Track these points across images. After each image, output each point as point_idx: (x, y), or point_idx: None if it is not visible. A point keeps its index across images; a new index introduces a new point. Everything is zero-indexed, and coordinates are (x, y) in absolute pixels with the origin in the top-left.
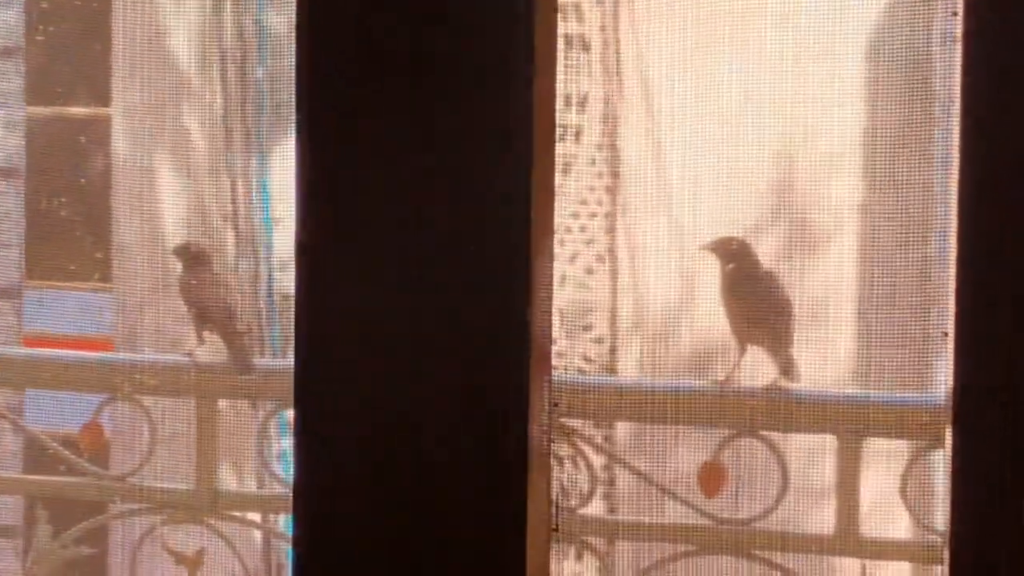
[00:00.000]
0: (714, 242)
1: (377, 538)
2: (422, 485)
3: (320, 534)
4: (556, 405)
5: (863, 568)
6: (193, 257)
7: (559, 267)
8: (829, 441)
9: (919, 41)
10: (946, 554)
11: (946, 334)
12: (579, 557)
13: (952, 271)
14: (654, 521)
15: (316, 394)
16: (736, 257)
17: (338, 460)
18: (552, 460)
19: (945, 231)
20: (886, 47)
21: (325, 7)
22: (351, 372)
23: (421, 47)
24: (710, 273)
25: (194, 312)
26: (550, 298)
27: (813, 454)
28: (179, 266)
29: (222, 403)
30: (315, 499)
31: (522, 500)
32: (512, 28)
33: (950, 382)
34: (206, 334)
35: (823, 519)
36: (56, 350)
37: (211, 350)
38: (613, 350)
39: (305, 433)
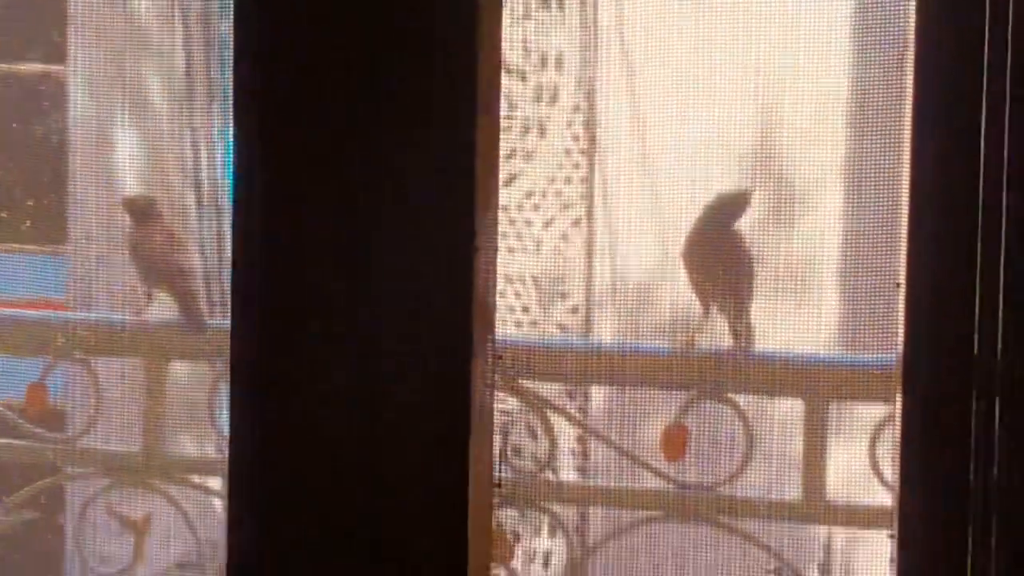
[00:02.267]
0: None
1: (314, 499)
2: (364, 445)
3: (252, 491)
4: (500, 358)
5: (829, 535)
6: (143, 211)
7: (535, 232)
8: (796, 405)
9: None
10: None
11: (899, 285)
12: (537, 521)
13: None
14: (614, 485)
15: (251, 355)
16: (712, 212)
17: (270, 422)
18: (504, 421)
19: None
20: (867, 24)
21: None
22: (289, 332)
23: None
24: (684, 231)
25: (143, 269)
26: (494, 259)
27: (779, 418)
28: (129, 221)
29: (173, 364)
30: (249, 455)
31: (464, 456)
32: None
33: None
34: (156, 292)
35: (790, 484)
36: (9, 310)
37: (162, 309)
38: (588, 319)
39: (240, 391)
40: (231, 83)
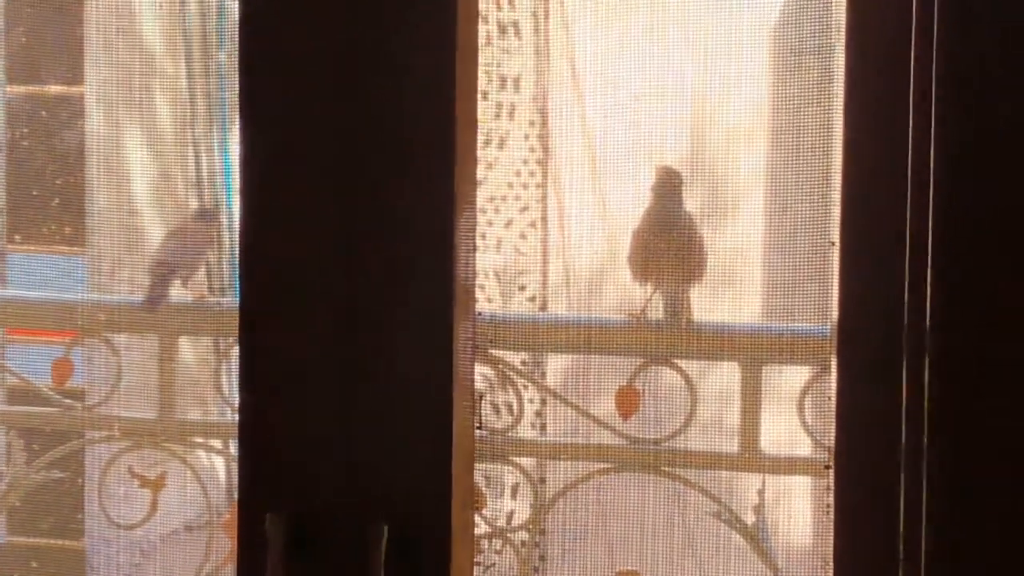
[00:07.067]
0: (660, 168)
1: (312, 460)
2: (357, 398)
3: (262, 450)
4: (480, 335)
5: (763, 482)
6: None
7: (496, 232)
8: (733, 369)
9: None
10: (832, 464)
11: (833, 243)
12: (506, 473)
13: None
14: (574, 441)
15: (259, 328)
16: (665, 194)
17: (277, 385)
18: (482, 386)
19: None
20: (788, 34)
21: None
22: (289, 310)
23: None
24: (629, 231)
25: (156, 258)
26: (473, 249)
27: (719, 380)
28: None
29: (182, 340)
30: (258, 417)
31: (449, 418)
32: None
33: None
34: (168, 279)
35: (728, 438)
36: (36, 293)
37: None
38: (544, 307)
39: (249, 360)
40: (227, 101)
